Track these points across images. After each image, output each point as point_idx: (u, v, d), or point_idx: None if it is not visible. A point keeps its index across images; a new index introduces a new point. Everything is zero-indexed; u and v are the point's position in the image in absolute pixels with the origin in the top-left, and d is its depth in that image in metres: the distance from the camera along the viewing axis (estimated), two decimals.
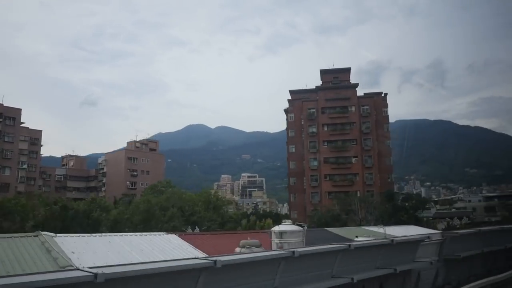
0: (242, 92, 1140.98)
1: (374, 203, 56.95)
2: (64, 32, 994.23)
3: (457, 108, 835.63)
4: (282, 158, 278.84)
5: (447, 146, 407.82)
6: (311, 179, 79.38)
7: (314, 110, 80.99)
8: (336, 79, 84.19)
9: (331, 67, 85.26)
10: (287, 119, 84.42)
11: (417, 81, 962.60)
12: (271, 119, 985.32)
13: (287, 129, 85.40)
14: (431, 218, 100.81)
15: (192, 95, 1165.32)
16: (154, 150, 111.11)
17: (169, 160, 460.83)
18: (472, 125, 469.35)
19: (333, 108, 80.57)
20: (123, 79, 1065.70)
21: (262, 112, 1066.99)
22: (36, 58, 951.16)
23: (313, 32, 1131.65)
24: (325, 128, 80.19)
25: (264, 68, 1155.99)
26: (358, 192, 76.95)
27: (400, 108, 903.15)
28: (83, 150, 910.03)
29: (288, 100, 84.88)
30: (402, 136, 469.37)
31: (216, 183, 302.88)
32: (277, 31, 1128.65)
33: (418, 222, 49.63)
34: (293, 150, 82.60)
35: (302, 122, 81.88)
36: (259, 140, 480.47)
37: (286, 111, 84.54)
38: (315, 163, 79.45)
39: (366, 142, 78.77)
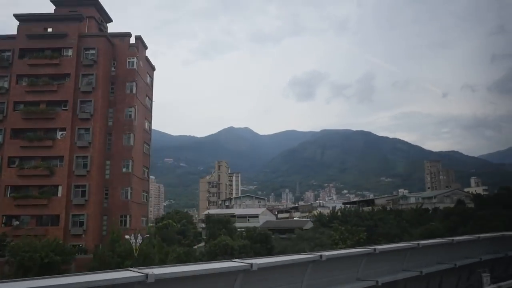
0: (173, 95, 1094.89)
1: None
2: None
3: (380, 121, 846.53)
4: (207, 163, 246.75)
5: (366, 155, 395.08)
6: None
7: (9, 54, 46.85)
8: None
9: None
10: None
11: (346, 93, 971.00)
12: (200, 123, 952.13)
13: None
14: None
15: None
16: None
17: None
18: (391, 136, 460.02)
19: (40, 51, 46.66)
20: None
21: (191, 116, 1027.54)
22: None
23: (248, 40, 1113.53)
24: (23, 82, 46.11)
25: (198, 73, 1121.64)
26: (60, 188, 43.36)
27: (328, 119, 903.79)
28: None
29: None
30: (326, 144, 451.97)
31: None
32: (213, 37, 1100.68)
33: None
34: None
35: None
36: (185, 144, 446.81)
37: None
38: None
39: (85, 107, 45.27)
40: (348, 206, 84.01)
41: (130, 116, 46.78)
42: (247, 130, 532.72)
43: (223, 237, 36.39)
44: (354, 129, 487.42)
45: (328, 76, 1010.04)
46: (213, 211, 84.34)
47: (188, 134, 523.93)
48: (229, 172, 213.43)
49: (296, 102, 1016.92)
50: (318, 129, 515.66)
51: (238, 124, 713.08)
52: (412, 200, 78.50)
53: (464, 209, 35.94)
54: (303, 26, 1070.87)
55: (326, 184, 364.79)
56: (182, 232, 71.31)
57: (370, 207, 69.80)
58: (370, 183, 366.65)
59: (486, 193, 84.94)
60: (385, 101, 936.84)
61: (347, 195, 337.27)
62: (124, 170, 45.63)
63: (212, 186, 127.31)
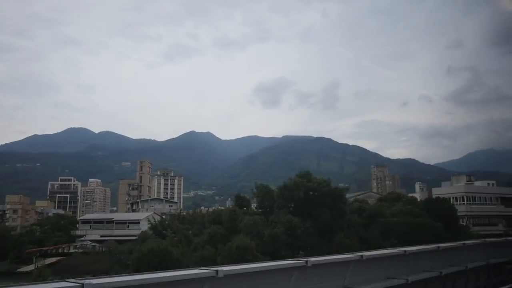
0: (136, 98, 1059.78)
1: None
2: None
3: (342, 129, 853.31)
4: (165, 167, 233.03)
5: (326, 162, 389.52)
6: None
7: None
8: None
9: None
10: None
11: (311, 101, 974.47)
12: (162, 127, 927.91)
13: None
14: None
15: (83, 98, 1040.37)
16: None
17: (38, 164, 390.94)
18: (351, 143, 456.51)
19: None
20: (5, 75, 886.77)
21: (153, 120, 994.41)
22: None
23: (213, 45, 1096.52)
24: None
25: (162, 77, 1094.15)
26: None
27: (292, 126, 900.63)
28: None
29: None
30: (287, 150, 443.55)
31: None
32: (178, 41, 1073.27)
33: None
34: None
35: None
36: (144, 148, 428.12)
37: None
38: None
39: None
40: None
41: None
42: (209, 135, 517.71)
43: None
44: (315, 135, 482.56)
45: (294, 84, 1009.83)
46: (93, 215, 70.16)
47: (148, 138, 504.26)
48: (172, 175, 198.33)
49: (261, 108, 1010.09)
50: (280, 135, 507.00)
51: (200, 129, 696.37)
52: None
53: (232, 215, 24.06)
54: (269, 33, 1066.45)
55: None
56: (39, 241, 56.93)
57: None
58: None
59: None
60: (347, 109, 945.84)
61: None
62: None
63: (133, 189, 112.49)
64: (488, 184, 76.74)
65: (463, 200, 64.16)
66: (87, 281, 4.05)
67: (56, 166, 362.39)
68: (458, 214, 63.46)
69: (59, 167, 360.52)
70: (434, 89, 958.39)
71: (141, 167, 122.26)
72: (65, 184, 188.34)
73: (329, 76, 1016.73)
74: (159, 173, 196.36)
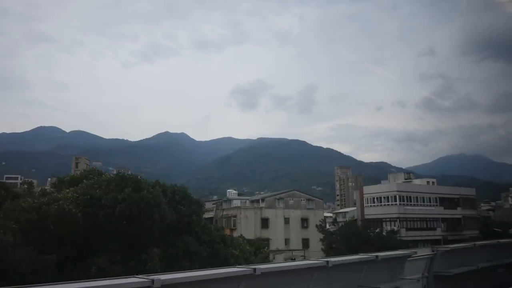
0: (110, 98, 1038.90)
1: None
2: None
3: (317, 132, 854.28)
4: (137, 167, 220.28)
5: (300, 164, 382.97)
6: None
7: None
8: None
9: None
10: None
11: (288, 104, 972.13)
12: (135, 127, 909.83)
13: None
14: None
15: (56, 96, 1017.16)
16: None
17: (4, 163, 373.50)
18: (325, 146, 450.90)
19: None
20: None
21: (128, 120, 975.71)
22: None
23: (191, 46, 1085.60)
24: None
25: (137, 76, 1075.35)
26: None
27: (268, 128, 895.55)
28: None
29: None
30: (261, 152, 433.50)
31: None
32: (155, 41, 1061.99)
33: None
34: None
35: None
36: (117, 148, 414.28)
37: None
38: None
39: None
40: None
41: None
42: (183, 136, 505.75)
43: None
44: (289, 137, 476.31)
45: (271, 87, 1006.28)
46: None
47: (121, 138, 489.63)
48: (131, 174, 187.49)
49: (238, 111, 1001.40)
50: (255, 137, 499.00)
51: (175, 129, 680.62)
52: (237, 203, 59.28)
53: None
54: (247, 35, 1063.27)
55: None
56: None
57: None
58: (302, 191, 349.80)
59: None
60: (323, 113, 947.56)
61: None
62: None
63: None
64: (428, 182, 69.39)
65: (395, 200, 56.18)
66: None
67: (22, 165, 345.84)
68: (389, 216, 55.66)
69: (26, 167, 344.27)
70: (407, 95, 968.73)
71: (77, 163, 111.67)
72: (10, 183, 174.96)
73: (305, 80, 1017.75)
74: (115, 172, 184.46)
